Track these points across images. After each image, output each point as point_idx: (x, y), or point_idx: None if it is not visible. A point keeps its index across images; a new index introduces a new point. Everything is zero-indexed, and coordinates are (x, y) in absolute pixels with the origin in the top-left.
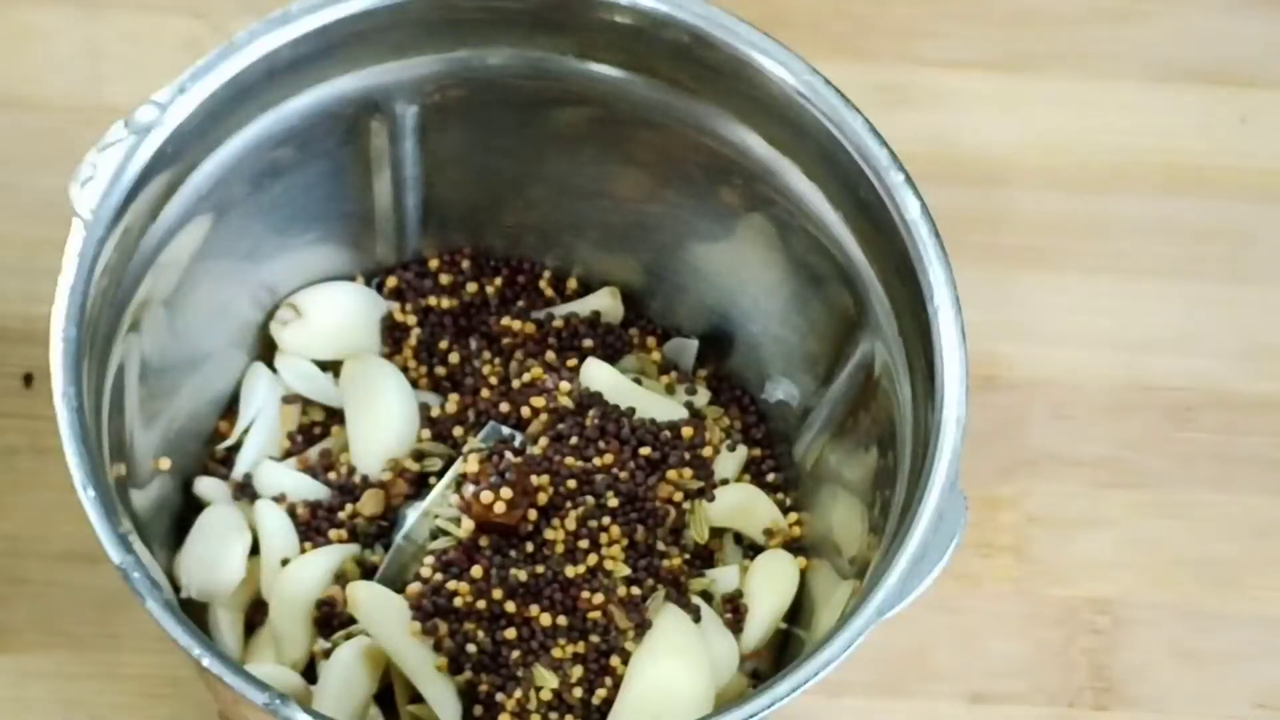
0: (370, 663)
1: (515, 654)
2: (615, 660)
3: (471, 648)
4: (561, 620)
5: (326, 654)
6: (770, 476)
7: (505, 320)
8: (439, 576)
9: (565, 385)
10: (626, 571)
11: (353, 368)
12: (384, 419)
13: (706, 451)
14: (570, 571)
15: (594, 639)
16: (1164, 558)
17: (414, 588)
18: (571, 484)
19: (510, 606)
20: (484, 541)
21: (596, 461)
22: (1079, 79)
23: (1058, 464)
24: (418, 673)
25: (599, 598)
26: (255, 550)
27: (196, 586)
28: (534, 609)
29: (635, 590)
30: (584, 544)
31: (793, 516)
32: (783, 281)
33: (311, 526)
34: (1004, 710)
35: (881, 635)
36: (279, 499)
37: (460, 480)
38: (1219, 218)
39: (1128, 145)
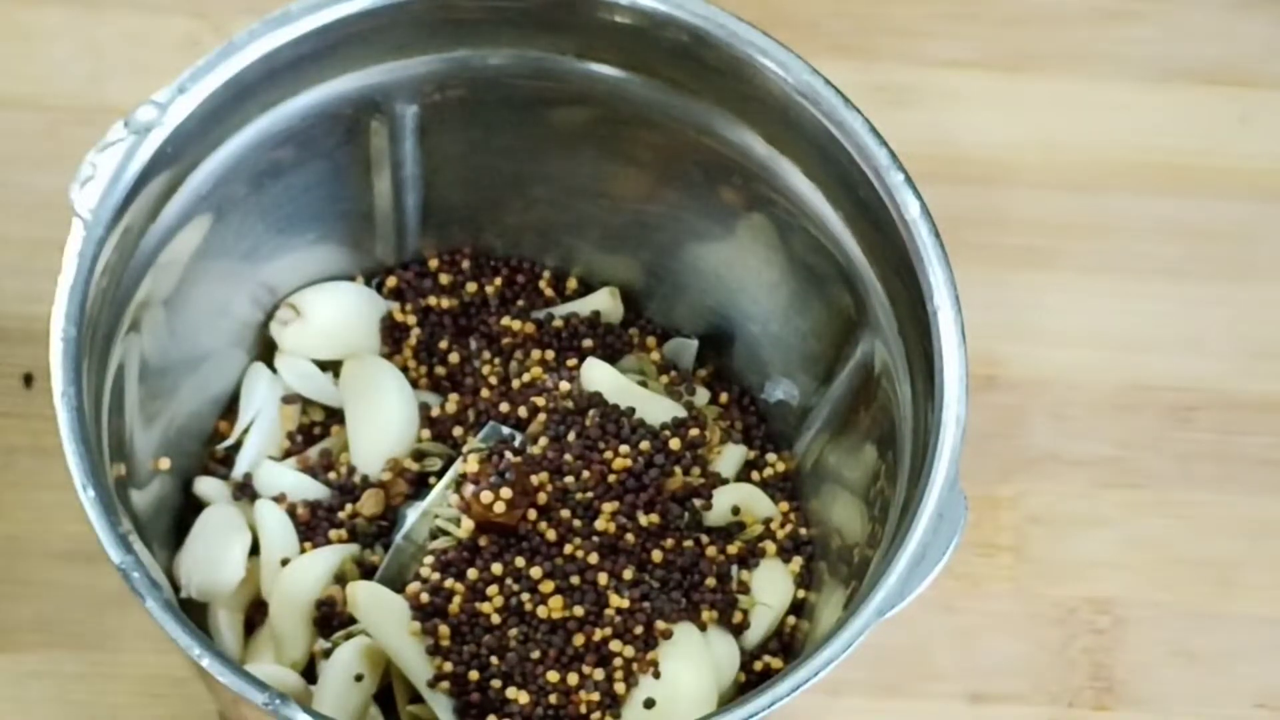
0: (370, 663)
1: (515, 654)
2: (617, 661)
3: (471, 647)
4: (562, 620)
5: (326, 654)
6: (769, 476)
7: (505, 320)
8: (438, 576)
9: (565, 385)
10: (627, 572)
11: (353, 368)
12: (384, 419)
13: (706, 451)
14: (570, 571)
15: (595, 639)
16: (1164, 558)
17: (414, 587)
18: (571, 484)
19: (510, 606)
20: (484, 541)
21: (596, 461)
22: (1079, 79)
23: (1058, 464)
24: (418, 673)
25: (599, 597)
26: (255, 550)
27: (196, 586)
28: (534, 609)
29: (635, 590)
30: (583, 544)
31: (792, 516)
32: (783, 281)
33: (311, 526)
34: (1004, 710)
35: (881, 635)
36: (279, 499)
37: (460, 480)
38: (1219, 218)
39: (1128, 145)
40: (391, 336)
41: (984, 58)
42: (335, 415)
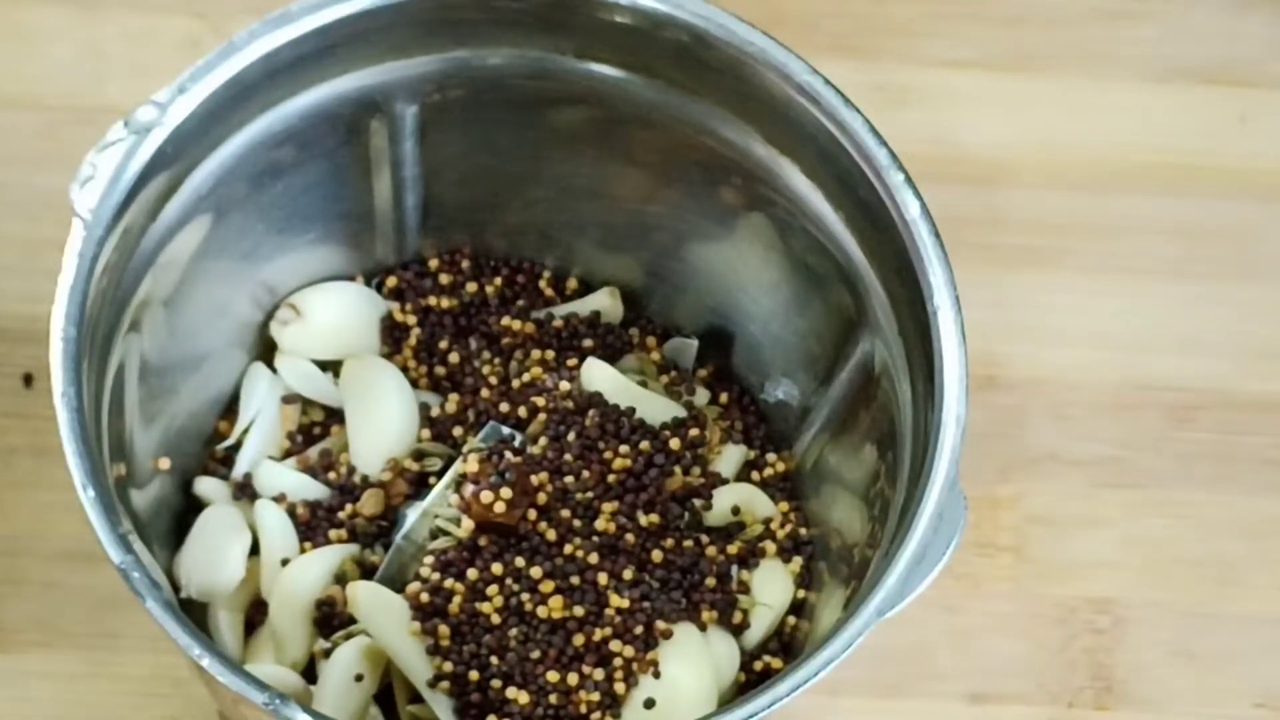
0: (370, 663)
1: (515, 654)
2: (617, 661)
3: (471, 647)
4: (562, 620)
5: (326, 654)
6: (769, 476)
7: (505, 320)
8: (438, 576)
9: (565, 385)
10: (627, 572)
11: (353, 368)
12: (384, 419)
13: (706, 451)
14: (570, 571)
15: (595, 639)
16: (1164, 558)
17: (414, 587)
18: (571, 483)
19: (510, 606)
20: (484, 541)
21: (596, 461)
22: (1079, 79)
23: (1058, 464)
24: (418, 673)
25: (599, 597)
26: (255, 550)
27: (196, 586)
28: (534, 609)
29: (635, 590)
30: (583, 544)
31: (792, 516)
32: (783, 281)
33: (311, 526)
34: (1004, 710)
35: (881, 635)
36: (279, 499)
37: (460, 480)
38: (1219, 218)
39: (1128, 145)
40: (391, 336)
41: (984, 58)
42: (335, 415)
